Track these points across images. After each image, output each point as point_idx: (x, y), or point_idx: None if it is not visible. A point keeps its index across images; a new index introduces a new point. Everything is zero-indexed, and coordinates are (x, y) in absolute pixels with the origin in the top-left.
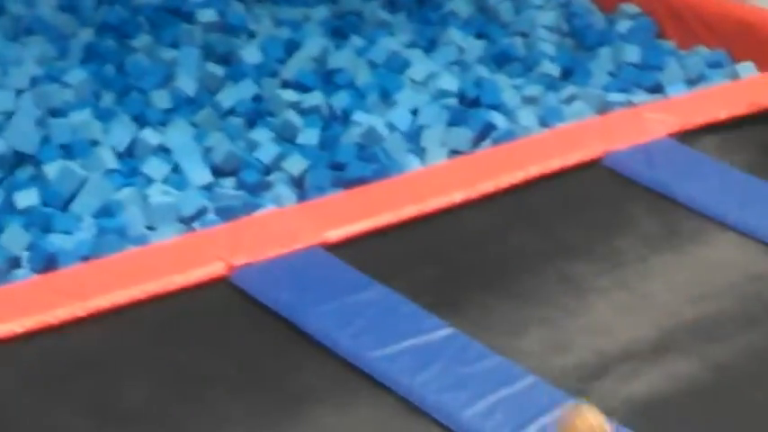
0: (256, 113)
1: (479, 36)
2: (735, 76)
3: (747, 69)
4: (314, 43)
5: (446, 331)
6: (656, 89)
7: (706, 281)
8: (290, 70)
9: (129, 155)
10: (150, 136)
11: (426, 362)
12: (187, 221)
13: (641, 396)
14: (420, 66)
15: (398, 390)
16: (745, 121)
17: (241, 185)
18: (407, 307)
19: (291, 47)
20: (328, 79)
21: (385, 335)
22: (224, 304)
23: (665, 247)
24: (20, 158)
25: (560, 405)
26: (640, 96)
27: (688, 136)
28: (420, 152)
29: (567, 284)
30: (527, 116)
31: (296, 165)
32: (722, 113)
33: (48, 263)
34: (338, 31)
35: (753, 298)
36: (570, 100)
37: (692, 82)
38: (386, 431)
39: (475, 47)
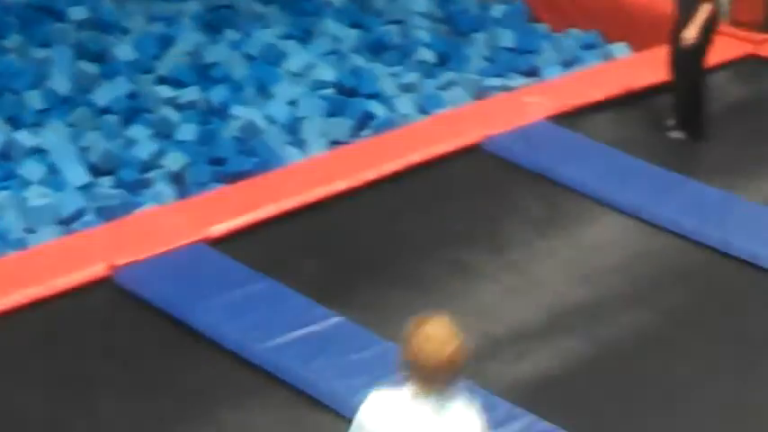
0: (132, 111)
1: (354, 25)
2: (609, 56)
3: (621, 50)
4: (188, 38)
5: (335, 320)
6: (532, 72)
7: (591, 261)
8: (165, 66)
9: (4, 157)
10: (25, 137)
11: (317, 351)
12: (66, 223)
13: (530, 376)
14: (296, 57)
15: (291, 380)
16: (621, 100)
17: (120, 184)
18: (295, 298)
19: (165, 42)
20: (204, 74)
21: (274, 327)
22: (108, 305)
23: (550, 229)
24: None
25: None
26: (517, 80)
27: (566, 118)
28: (300, 144)
29: (453, 269)
30: (405, 104)
31: (175, 161)
32: (598, 94)
33: None
34: (212, 25)
35: (637, 276)
36: (448, 86)
37: (567, 64)
38: (281, 422)
39: (350, 36)
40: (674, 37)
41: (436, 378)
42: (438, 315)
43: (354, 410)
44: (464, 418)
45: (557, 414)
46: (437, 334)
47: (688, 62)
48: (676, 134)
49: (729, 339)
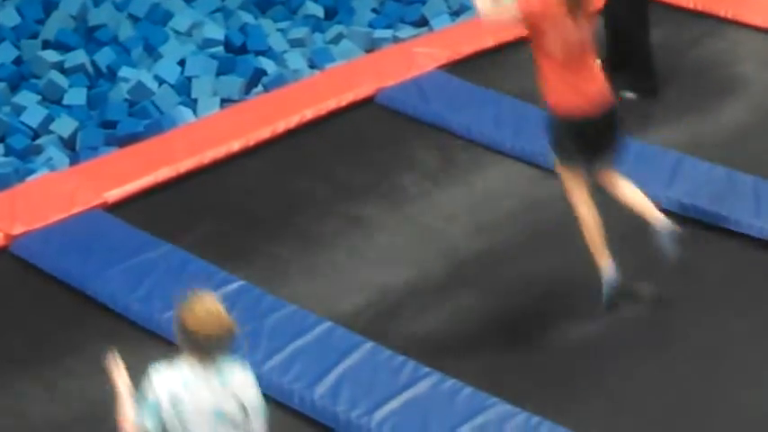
0: (19, 77)
1: None
2: (497, 3)
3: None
4: (72, 1)
5: (237, 285)
6: (421, 23)
7: (488, 211)
8: (50, 30)
9: None
10: None
11: None
12: None
13: (435, 331)
14: (183, 16)
15: None
16: (512, 47)
17: (9, 152)
18: (195, 264)
19: (49, 6)
20: (90, 36)
21: (174, 295)
22: (4, 276)
23: (446, 180)
24: None
25: (357, 349)
26: (406, 31)
27: (458, 67)
28: (191, 104)
29: (352, 225)
30: (295, 59)
31: (65, 126)
32: (489, 41)
33: None
34: None
35: (533, 225)
36: (337, 40)
37: (455, 13)
38: None
39: None
40: None
41: (218, 347)
42: (206, 292)
43: (260, 381)
44: (245, 383)
45: (462, 369)
46: (214, 307)
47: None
48: (629, 94)
49: (633, 287)
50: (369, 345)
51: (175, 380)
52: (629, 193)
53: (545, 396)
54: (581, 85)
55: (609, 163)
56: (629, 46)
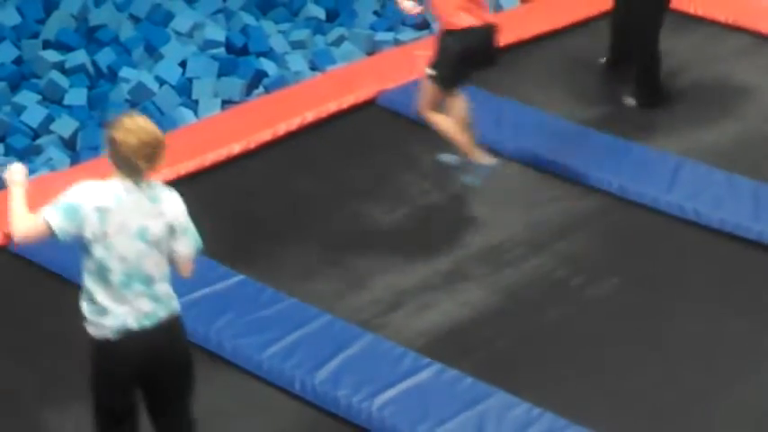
0: (19, 76)
1: None
2: (497, 8)
3: (509, 1)
4: (72, 1)
5: (237, 279)
6: (423, 26)
7: (490, 211)
8: (51, 30)
9: None
10: None
11: (220, 309)
12: None
13: (437, 325)
14: (184, 17)
15: (196, 339)
16: (512, 50)
17: (9, 151)
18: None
19: (50, 6)
20: (91, 37)
21: (175, 287)
22: (4, 274)
23: (447, 181)
24: None
25: (358, 340)
26: (407, 34)
27: None
28: (192, 105)
29: (353, 225)
30: (297, 61)
31: (66, 126)
32: None
33: None
34: None
35: (535, 224)
36: (338, 42)
37: None
38: None
39: None
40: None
41: (147, 159)
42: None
43: (261, 366)
44: (174, 202)
45: (463, 362)
46: (142, 120)
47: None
48: (630, 101)
49: (632, 283)
50: (369, 336)
51: (107, 193)
52: (463, 112)
53: (546, 388)
54: (474, 9)
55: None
56: (637, 51)
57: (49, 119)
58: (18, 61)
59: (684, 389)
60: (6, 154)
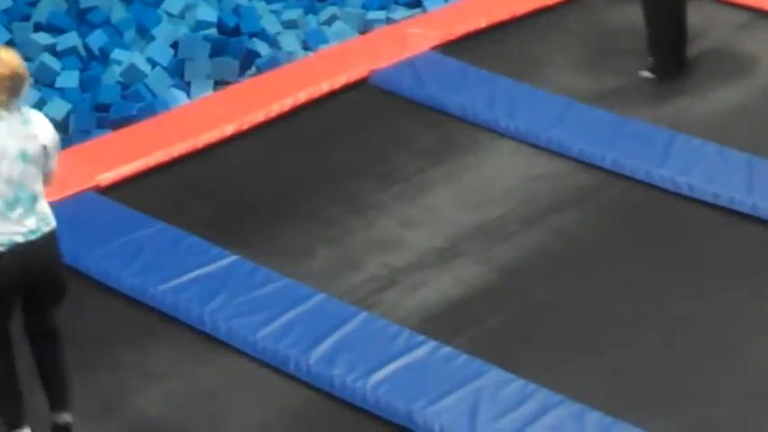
0: None
1: None
2: None
3: None
4: None
5: (231, 259)
6: (415, 4)
7: (484, 188)
8: (42, 12)
9: None
10: None
11: (214, 290)
12: None
13: (431, 303)
14: None
15: (190, 320)
16: (505, 27)
17: None
18: (189, 240)
19: None
20: (82, 19)
21: (169, 269)
22: None
23: (441, 159)
24: None
25: (353, 318)
26: (400, 12)
27: (451, 47)
28: (185, 86)
29: (349, 204)
30: (289, 41)
31: (58, 109)
32: (482, 22)
33: None
34: None
35: (530, 200)
36: (330, 21)
37: None
38: (181, 362)
39: None
40: None
41: (13, 88)
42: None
43: (256, 346)
44: (44, 125)
45: (458, 339)
46: (5, 52)
47: None
48: (646, 74)
49: (626, 258)
50: (364, 314)
51: None
52: None
53: (541, 364)
54: None
55: None
56: (666, 28)
57: (41, 102)
58: (9, 44)
59: (680, 363)
60: None
